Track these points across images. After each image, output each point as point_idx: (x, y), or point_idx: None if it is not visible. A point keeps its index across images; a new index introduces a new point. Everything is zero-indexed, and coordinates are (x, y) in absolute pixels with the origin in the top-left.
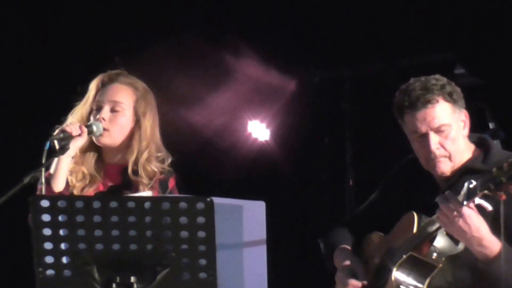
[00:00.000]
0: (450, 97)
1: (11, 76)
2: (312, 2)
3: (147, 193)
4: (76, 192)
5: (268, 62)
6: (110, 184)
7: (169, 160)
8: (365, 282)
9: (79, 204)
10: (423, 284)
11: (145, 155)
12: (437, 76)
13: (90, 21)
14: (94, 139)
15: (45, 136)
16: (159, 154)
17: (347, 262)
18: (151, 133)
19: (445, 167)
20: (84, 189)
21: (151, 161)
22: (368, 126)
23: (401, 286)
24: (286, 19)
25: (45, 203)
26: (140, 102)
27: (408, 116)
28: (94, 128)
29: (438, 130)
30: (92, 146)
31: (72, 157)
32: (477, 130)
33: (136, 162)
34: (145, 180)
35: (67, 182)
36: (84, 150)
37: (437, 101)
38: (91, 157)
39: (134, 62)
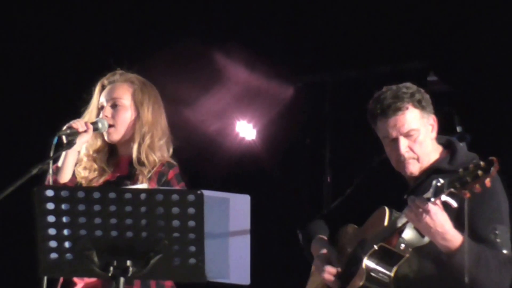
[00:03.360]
0: (419, 104)
1: (24, 82)
2: (299, 15)
3: (143, 185)
4: (85, 183)
5: (256, 68)
6: (118, 175)
7: (171, 149)
8: (339, 269)
9: (81, 194)
10: (390, 271)
11: (147, 140)
12: (408, 84)
13: (91, 24)
14: (105, 138)
15: (53, 132)
16: (161, 142)
17: (324, 251)
18: (153, 120)
19: (414, 168)
20: (93, 180)
21: (154, 149)
22: (346, 129)
23: (371, 273)
24: (275, 30)
25: (49, 193)
26: (137, 93)
27: (381, 122)
28: (100, 125)
29: (407, 135)
30: (105, 145)
31: (86, 155)
32: (445, 133)
33: (140, 149)
34: (146, 171)
35: (73, 174)
36: (98, 150)
37: (407, 108)
38: (103, 155)
39: (130, 65)
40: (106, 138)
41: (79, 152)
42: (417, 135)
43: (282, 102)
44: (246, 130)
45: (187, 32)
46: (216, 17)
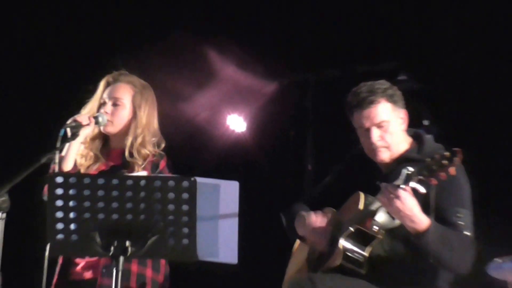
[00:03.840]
0: (391, 99)
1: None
2: (285, 21)
3: (142, 173)
4: (82, 170)
5: (246, 67)
6: (111, 164)
7: (163, 145)
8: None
9: (87, 180)
10: (365, 251)
11: (139, 139)
12: (382, 81)
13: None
14: (101, 128)
15: (60, 125)
16: (153, 139)
17: (313, 217)
18: (147, 121)
19: (384, 156)
20: (89, 167)
21: (145, 145)
22: (326, 122)
23: (347, 253)
24: (264, 33)
25: (59, 179)
26: (136, 96)
27: (356, 114)
28: (100, 119)
29: (379, 125)
30: (100, 134)
31: (83, 143)
32: (414, 126)
33: (132, 146)
34: (139, 161)
35: (75, 163)
36: (93, 138)
37: (379, 102)
38: (98, 143)
39: (129, 60)
40: (102, 129)
41: (81, 143)
42: (388, 126)
43: (269, 97)
44: (236, 123)
45: (182, 27)
46: (212, 21)
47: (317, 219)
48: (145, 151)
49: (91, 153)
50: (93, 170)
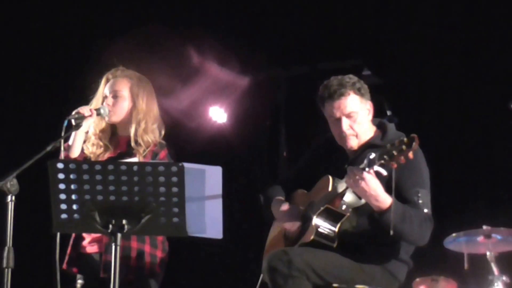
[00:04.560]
0: (359, 91)
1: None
2: (259, 22)
3: (134, 159)
4: (93, 158)
5: (225, 64)
6: (119, 151)
7: (163, 131)
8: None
9: (85, 166)
10: (335, 227)
11: (142, 125)
12: (350, 75)
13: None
14: (105, 119)
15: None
16: (154, 126)
17: (285, 206)
18: (147, 108)
19: (353, 143)
20: (99, 155)
21: (148, 132)
22: (298, 113)
23: (319, 229)
24: (241, 32)
25: (60, 165)
26: (134, 87)
27: (327, 105)
28: (102, 111)
29: (348, 116)
30: (108, 126)
31: (94, 134)
32: (378, 116)
33: (136, 133)
34: (141, 149)
35: (82, 150)
36: (102, 130)
37: (349, 94)
38: (107, 133)
39: (115, 54)
40: (107, 120)
41: (87, 132)
42: (357, 117)
43: (246, 91)
44: (218, 114)
45: (168, 27)
46: (194, 22)
47: (287, 210)
48: (147, 138)
49: (101, 143)
50: (104, 158)
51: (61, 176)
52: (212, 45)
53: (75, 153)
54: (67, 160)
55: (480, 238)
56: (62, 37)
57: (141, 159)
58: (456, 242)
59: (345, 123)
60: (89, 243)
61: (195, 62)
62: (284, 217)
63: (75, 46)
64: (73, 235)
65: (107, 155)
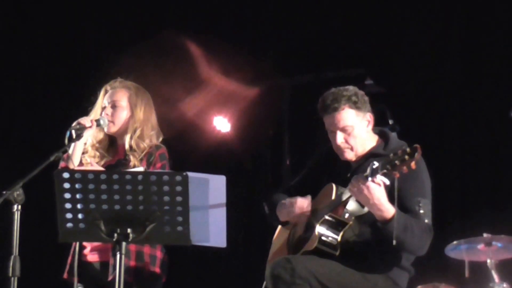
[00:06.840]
0: (354, 105)
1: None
2: (265, 33)
3: (140, 168)
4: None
5: (229, 74)
6: (117, 159)
7: (161, 138)
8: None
9: (91, 176)
10: (338, 235)
11: (138, 132)
12: (349, 87)
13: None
14: (104, 129)
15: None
16: (151, 133)
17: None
18: (144, 118)
19: (349, 156)
20: (97, 163)
21: (143, 139)
22: (301, 122)
23: (322, 237)
24: (245, 42)
25: (66, 175)
26: (132, 97)
27: (324, 118)
28: (101, 121)
29: (342, 130)
30: (106, 136)
31: (91, 146)
32: (380, 125)
33: (131, 139)
34: (137, 154)
35: (81, 161)
36: (100, 140)
37: (343, 109)
38: (105, 143)
39: (124, 65)
40: (105, 130)
41: (85, 143)
42: (351, 130)
43: (250, 101)
44: (222, 124)
45: (175, 39)
46: (199, 32)
47: (304, 201)
48: (143, 144)
49: (98, 153)
50: (101, 164)
51: (66, 185)
52: (216, 54)
53: (74, 164)
54: (73, 170)
55: (481, 246)
56: (70, 48)
57: (137, 163)
58: (457, 250)
59: (340, 137)
60: (90, 252)
61: (200, 72)
62: (293, 203)
63: (83, 57)
64: (74, 244)
65: (103, 162)
